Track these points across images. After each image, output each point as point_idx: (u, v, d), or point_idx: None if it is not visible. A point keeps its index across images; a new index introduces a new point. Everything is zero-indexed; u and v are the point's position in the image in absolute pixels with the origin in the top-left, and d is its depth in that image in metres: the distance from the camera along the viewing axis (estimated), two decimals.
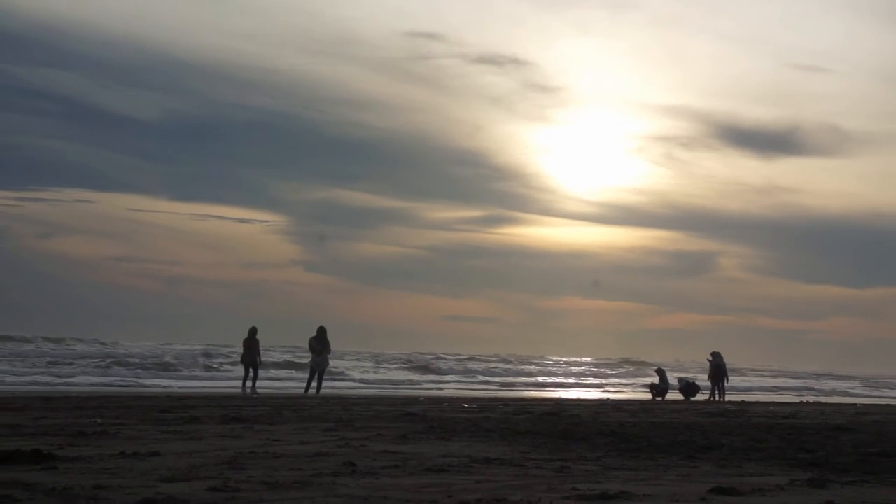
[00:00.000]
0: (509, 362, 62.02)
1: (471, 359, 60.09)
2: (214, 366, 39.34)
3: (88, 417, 11.31)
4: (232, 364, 31.97)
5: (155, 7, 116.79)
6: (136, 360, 39.96)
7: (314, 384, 23.09)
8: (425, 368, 47.83)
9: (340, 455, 7.33)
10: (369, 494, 5.15)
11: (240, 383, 24.01)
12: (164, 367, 36.80)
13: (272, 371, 35.43)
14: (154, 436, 8.80)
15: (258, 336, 23.73)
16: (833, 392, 46.31)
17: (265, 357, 25.12)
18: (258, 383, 23.75)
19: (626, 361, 69.99)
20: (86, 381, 28.42)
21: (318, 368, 23.25)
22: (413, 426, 11.14)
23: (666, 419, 14.58)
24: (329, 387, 25.23)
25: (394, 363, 51.05)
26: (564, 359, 75.10)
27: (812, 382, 58.24)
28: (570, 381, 49.45)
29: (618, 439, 9.72)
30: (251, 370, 23.29)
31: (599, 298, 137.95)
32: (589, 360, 75.42)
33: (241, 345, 23.91)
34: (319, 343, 23.06)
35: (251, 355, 23.31)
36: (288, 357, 42.17)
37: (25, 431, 9.09)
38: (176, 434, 9.14)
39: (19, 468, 6.00)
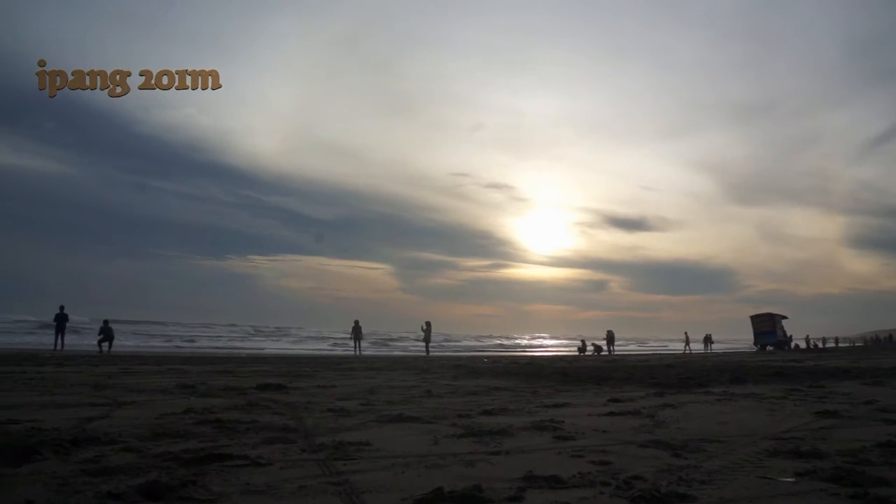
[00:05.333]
0: (506, 338, 61.14)
1: (486, 336, 59.34)
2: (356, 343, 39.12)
3: (301, 367, 11.43)
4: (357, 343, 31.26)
5: (327, 166, 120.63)
6: (317, 340, 40.08)
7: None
8: (463, 345, 47.29)
9: (423, 386, 7.32)
10: (438, 406, 5.16)
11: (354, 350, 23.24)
12: (330, 342, 36.82)
13: (387, 343, 35.27)
14: (332, 377, 8.85)
15: (360, 324, 23.25)
16: (664, 348, 44.77)
17: (372, 338, 24.15)
18: (361, 350, 23.10)
19: (566, 336, 68.41)
20: (294, 350, 28.60)
21: (427, 341, 22.96)
22: (459, 371, 11.03)
23: (585, 365, 14.24)
24: (401, 352, 24.98)
25: (448, 340, 50.57)
26: (534, 335, 73.84)
27: (653, 344, 56.23)
28: (538, 347, 48.49)
29: (562, 376, 9.54)
30: (357, 343, 22.88)
31: (551, 304, 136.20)
32: (547, 335, 73.98)
33: (353, 331, 23.26)
34: (427, 329, 22.90)
35: (357, 334, 22.95)
36: (392, 336, 41.80)
37: (272, 374, 9.23)
38: (342, 376, 9.17)
39: (269, 392, 6.13)
